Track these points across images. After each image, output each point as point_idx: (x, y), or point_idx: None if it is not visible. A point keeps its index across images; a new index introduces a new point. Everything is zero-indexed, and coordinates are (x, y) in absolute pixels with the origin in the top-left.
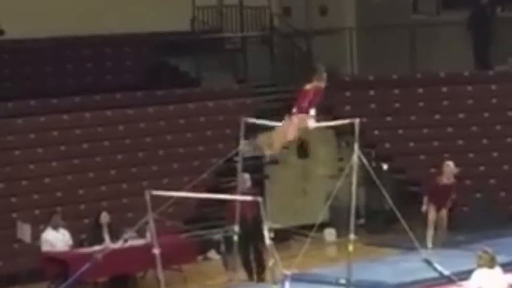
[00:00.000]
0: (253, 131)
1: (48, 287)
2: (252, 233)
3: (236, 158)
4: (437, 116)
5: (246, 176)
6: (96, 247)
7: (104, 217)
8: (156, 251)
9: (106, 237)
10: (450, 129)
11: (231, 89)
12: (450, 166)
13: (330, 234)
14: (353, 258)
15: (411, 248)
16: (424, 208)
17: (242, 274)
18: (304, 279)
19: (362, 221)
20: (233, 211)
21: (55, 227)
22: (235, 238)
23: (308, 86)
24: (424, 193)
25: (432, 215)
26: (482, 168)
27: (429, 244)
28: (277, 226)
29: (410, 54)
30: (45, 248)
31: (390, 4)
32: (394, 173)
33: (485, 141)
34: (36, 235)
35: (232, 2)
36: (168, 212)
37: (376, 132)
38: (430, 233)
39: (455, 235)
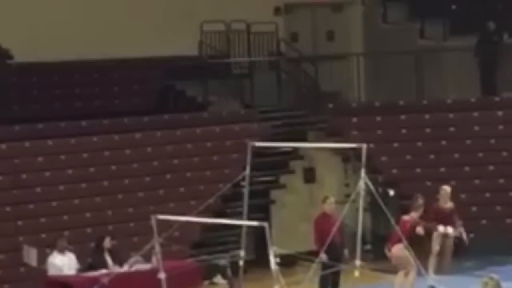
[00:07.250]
0: (259, 156)
1: None
2: (338, 257)
3: (243, 183)
4: (444, 142)
5: None
6: (102, 271)
7: (108, 242)
8: (162, 275)
9: (109, 260)
10: (456, 155)
11: (238, 114)
12: (446, 190)
13: None
14: (359, 284)
15: (418, 274)
16: (441, 229)
17: None
18: None
19: (368, 246)
20: (323, 235)
21: (62, 251)
22: (241, 263)
23: (406, 217)
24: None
25: (436, 244)
26: (488, 194)
27: (431, 273)
28: (283, 251)
29: (417, 80)
30: (51, 272)
31: (397, 30)
32: (401, 199)
33: (491, 167)
34: (43, 259)
35: (239, 27)
36: (174, 236)
37: (382, 158)
38: (432, 262)
39: (461, 261)
